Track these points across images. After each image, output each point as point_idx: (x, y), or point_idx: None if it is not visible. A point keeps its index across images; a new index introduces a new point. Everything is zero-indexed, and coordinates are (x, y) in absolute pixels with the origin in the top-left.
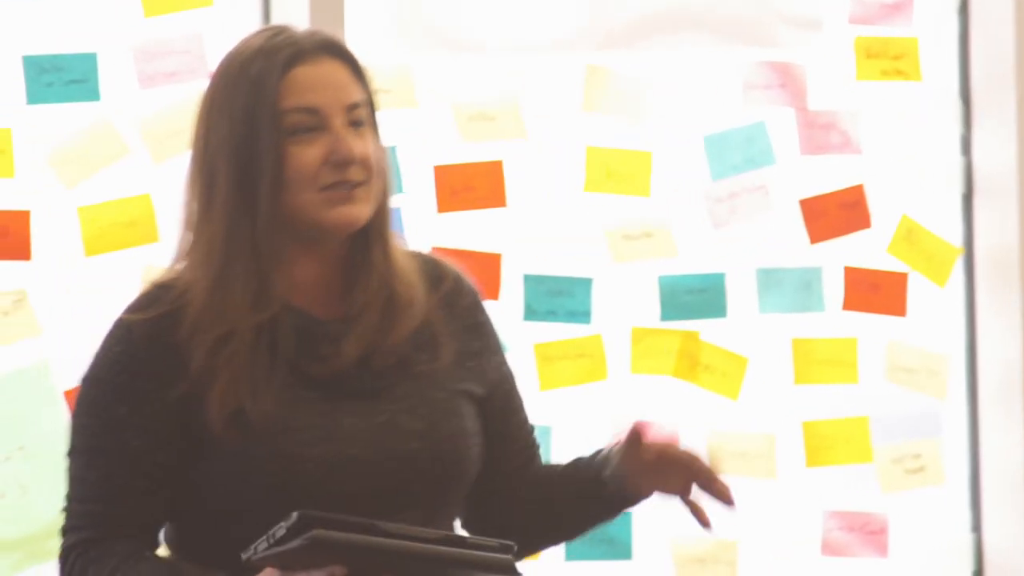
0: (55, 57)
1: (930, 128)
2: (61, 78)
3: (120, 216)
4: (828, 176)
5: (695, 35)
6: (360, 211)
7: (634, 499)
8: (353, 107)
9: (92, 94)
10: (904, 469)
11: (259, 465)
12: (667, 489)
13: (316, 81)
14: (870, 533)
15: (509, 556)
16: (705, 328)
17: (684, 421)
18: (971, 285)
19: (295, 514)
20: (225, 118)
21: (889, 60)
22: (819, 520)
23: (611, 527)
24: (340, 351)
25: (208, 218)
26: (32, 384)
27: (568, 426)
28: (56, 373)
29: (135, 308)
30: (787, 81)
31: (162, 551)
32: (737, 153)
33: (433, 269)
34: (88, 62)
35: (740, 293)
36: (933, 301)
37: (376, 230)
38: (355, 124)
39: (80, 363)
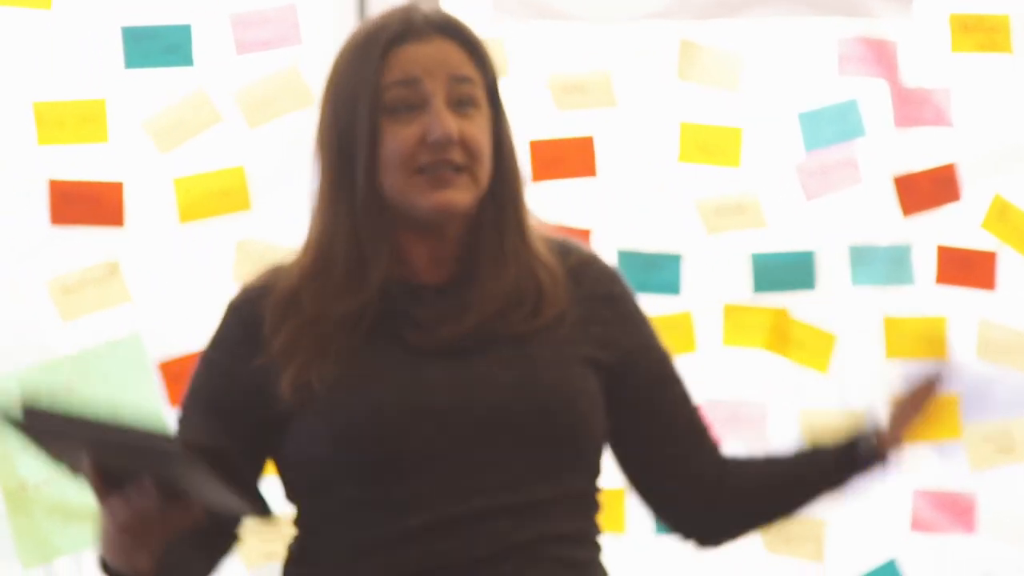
0: (151, 28)
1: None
2: (156, 45)
3: (213, 185)
4: (920, 151)
5: (789, 7)
6: (458, 197)
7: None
8: (458, 83)
9: (186, 60)
10: (994, 447)
11: (330, 418)
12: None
13: (420, 58)
14: (959, 511)
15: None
16: (795, 302)
17: (775, 396)
18: None
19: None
20: (332, 96)
21: (984, 33)
22: (908, 498)
23: None
24: (455, 320)
25: (318, 199)
26: (125, 354)
27: None
28: (149, 343)
29: (239, 292)
30: (881, 55)
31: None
32: (830, 126)
33: (561, 247)
34: (183, 33)
35: (831, 268)
36: None
37: (504, 220)
38: (461, 104)
39: (173, 332)
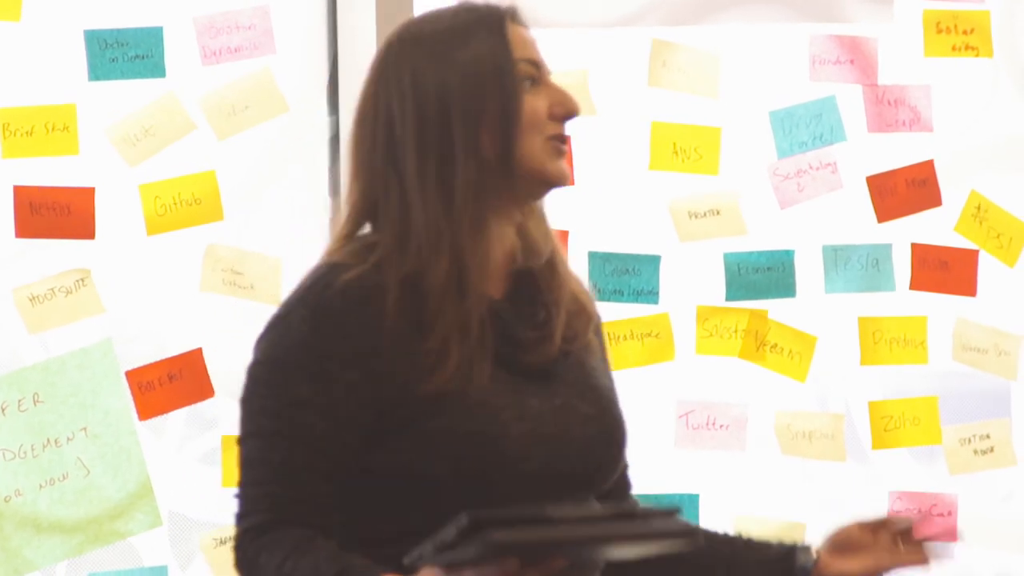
0: (119, 32)
1: (1000, 104)
2: (125, 53)
3: (184, 194)
4: (897, 153)
5: (764, 10)
6: (568, 171)
7: None
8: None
9: (157, 70)
10: (973, 450)
11: (464, 443)
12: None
13: (529, 39)
14: (938, 515)
15: (679, 518)
16: (772, 307)
17: (751, 402)
18: None
19: (464, 516)
20: (446, 68)
21: (959, 35)
22: (886, 502)
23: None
24: (551, 339)
25: (416, 182)
26: (95, 364)
27: (633, 407)
28: (119, 353)
29: (322, 287)
30: (856, 56)
31: None
32: (805, 129)
33: None
34: (153, 37)
35: (808, 272)
36: (1004, 279)
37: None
38: None
39: (142, 343)
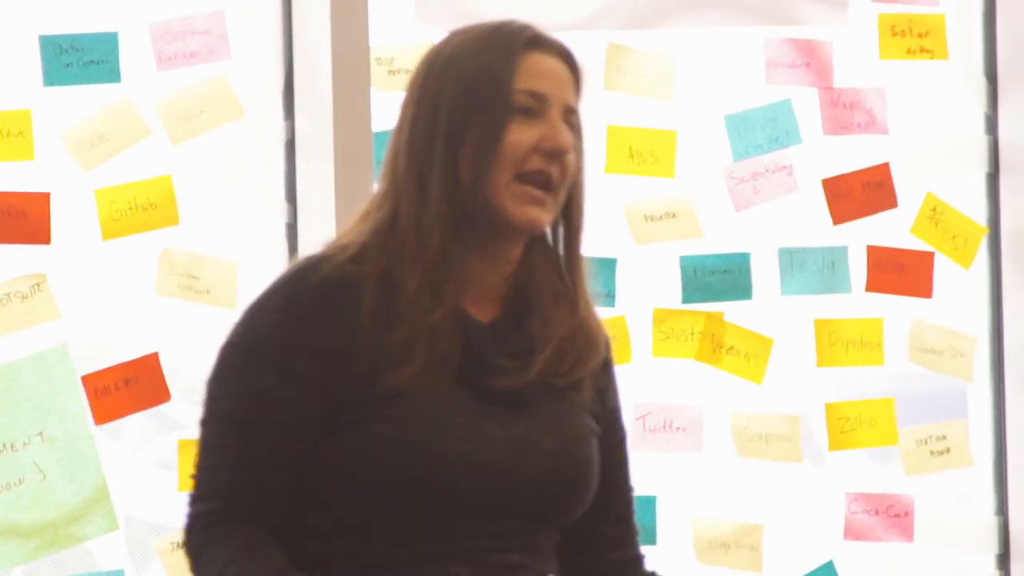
0: (73, 37)
1: (955, 107)
2: (80, 59)
3: (139, 198)
4: (853, 156)
5: (719, 13)
6: (544, 217)
7: None
8: (571, 111)
9: (112, 75)
10: (929, 451)
11: (404, 451)
12: None
13: (548, 70)
14: (895, 516)
15: None
16: (728, 309)
17: (707, 404)
18: (996, 265)
19: None
20: (445, 86)
21: (914, 38)
22: (843, 503)
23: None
24: (525, 370)
25: (401, 184)
26: (51, 369)
27: None
28: (75, 357)
29: (300, 278)
30: (812, 59)
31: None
32: (761, 133)
33: None
34: (108, 42)
35: (764, 274)
36: (959, 281)
37: (568, 255)
38: (568, 126)
39: (98, 348)
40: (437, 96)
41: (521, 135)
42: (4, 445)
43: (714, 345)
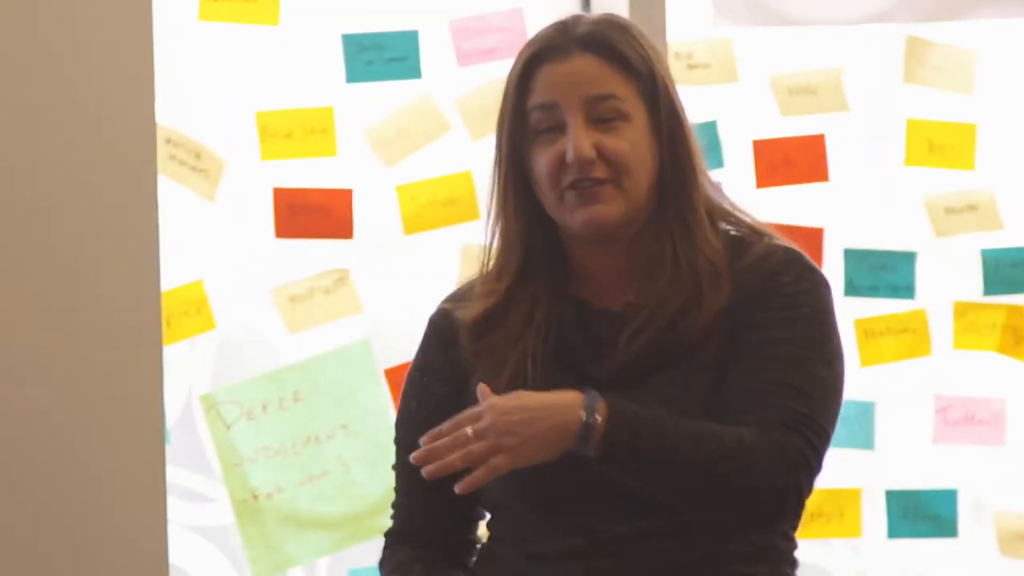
0: (375, 35)
1: None
2: (381, 56)
3: (440, 194)
4: None
5: (1019, 5)
6: (607, 211)
7: None
8: (598, 102)
9: (413, 72)
10: None
11: None
12: None
13: (557, 78)
14: None
15: None
16: None
17: (1010, 396)
18: None
19: None
20: (499, 116)
21: None
22: None
23: (935, 505)
24: (619, 347)
25: (492, 215)
26: (354, 363)
27: (890, 403)
28: (377, 352)
29: (445, 298)
30: None
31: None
32: None
33: (739, 244)
34: (409, 40)
35: None
36: None
37: (670, 227)
38: (602, 120)
39: (401, 342)
40: (497, 128)
41: (542, 158)
42: (309, 438)
43: (1016, 338)
